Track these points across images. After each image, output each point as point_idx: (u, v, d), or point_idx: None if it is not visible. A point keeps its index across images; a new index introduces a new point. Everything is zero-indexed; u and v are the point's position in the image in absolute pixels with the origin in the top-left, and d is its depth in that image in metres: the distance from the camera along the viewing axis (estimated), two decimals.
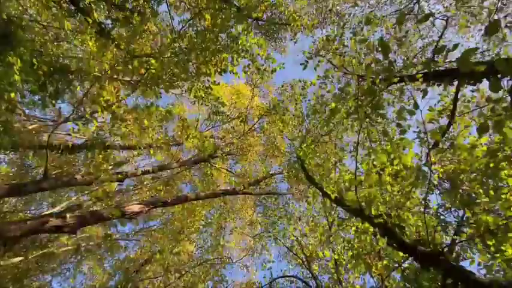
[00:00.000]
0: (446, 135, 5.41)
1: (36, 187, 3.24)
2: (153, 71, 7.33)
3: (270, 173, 9.25)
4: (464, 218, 7.42)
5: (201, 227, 10.34)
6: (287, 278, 9.70)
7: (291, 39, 10.11)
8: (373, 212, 3.78)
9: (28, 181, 3.46)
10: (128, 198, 12.85)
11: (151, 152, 5.31)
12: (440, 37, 6.98)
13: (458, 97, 6.16)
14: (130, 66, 6.74)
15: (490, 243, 3.06)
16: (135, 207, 3.97)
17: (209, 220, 9.95)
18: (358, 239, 4.50)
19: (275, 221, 9.66)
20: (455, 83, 5.04)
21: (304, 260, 7.75)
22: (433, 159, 4.19)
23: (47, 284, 11.81)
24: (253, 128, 10.36)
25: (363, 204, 3.99)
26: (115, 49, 6.40)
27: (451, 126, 5.47)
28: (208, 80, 8.05)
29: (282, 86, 9.27)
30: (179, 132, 8.10)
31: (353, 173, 4.21)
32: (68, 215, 3.14)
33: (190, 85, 8.27)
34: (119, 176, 4.39)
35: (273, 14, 9.76)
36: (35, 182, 3.31)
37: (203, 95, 8.43)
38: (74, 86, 6.72)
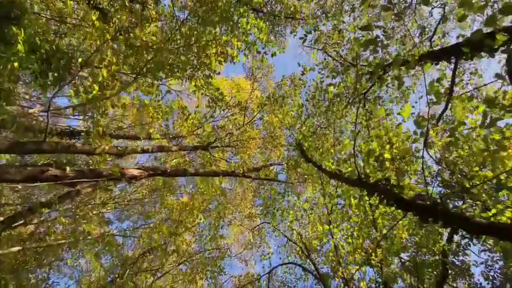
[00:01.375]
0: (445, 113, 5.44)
1: (36, 147, 3.26)
2: (155, 58, 7.43)
3: (270, 163, 9.27)
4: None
5: (200, 221, 10.31)
6: (286, 270, 9.62)
7: (291, 32, 10.24)
8: (371, 179, 3.80)
9: (29, 140, 3.49)
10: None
11: (152, 131, 5.33)
12: (438, 23, 7.10)
13: (456, 82, 6.24)
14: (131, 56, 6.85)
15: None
16: (135, 171, 3.98)
17: (208, 213, 9.92)
18: (357, 210, 4.49)
19: (274, 211, 9.64)
20: (453, 61, 5.11)
21: (303, 248, 7.70)
22: (432, 133, 4.23)
23: (45, 278, 11.66)
24: (253, 120, 10.41)
25: (361, 173, 4.00)
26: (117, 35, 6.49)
27: (449, 106, 5.53)
28: (208, 70, 8.14)
29: (282, 81, 9.36)
30: (179, 120, 8.13)
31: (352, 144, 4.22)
32: (68, 168, 3.15)
33: (191, 74, 8.34)
34: (119, 148, 4.40)
35: (273, 6, 9.92)
36: (35, 142, 3.32)
37: (203, 85, 8.50)
38: (73, 73, 6.80)
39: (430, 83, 2.88)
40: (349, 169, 4.03)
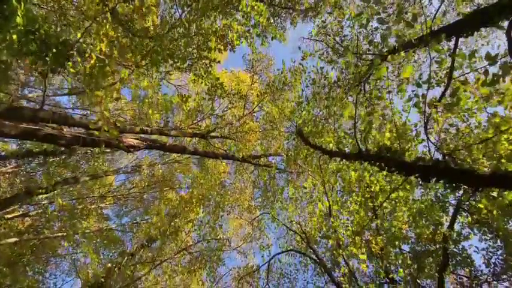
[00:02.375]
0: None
1: (32, 114, 3.21)
2: (155, 48, 7.41)
3: (269, 152, 9.23)
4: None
5: (200, 215, 10.25)
6: (285, 261, 9.52)
7: (291, 23, 10.26)
8: (372, 149, 3.76)
9: (25, 106, 3.45)
10: None
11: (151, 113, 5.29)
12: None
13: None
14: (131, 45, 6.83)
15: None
16: (133, 141, 3.92)
17: (208, 202, 9.85)
18: (358, 184, 4.44)
19: (273, 201, 9.58)
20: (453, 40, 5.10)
21: (303, 237, 7.63)
22: (433, 111, 4.19)
23: (41, 271, 11.55)
24: (253, 112, 10.39)
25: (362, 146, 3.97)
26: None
27: (449, 86, 5.50)
28: (208, 60, 8.13)
29: (282, 73, 9.36)
30: (178, 115, 8.08)
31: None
32: (64, 128, 3.10)
33: (191, 63, 8.33)
34: (117, 124, 4.33)
35: None
36: (31, 109, 3.27)
37: (203, 74, 8.47)
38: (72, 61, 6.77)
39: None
40: (351, 141, 3.99)
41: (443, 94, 5.82)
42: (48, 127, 3.01)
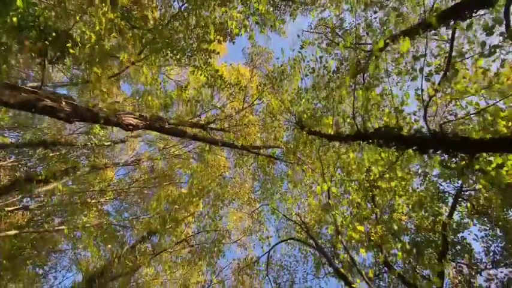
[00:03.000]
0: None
1: (30, 91, 3.21)
2: (155, 39, 7.43)
3: (269, 144, 9.24)
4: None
5: (199, 208, 10.28)
6: (285, 252, 9.54)
7: (290, 15, 10.28)
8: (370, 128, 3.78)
9: (25, 84, 3.46)
10: None
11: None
12: None
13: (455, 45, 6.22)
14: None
15: None
16: (133, 120, 3.93)
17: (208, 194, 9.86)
18: (357, 169, 4.46)
19: (272, 193, 9.60)
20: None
21: (303, 226, 7.64)
22: (430, 91, 4.21)
23: (41, 263, 11.56)
24: (253, 104, 10.41)
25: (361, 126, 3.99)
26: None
27: (449, 70, 5.52)
28: (207, 51, 8.15)
29: (281, 66, 9.38)
30: (178, 98, 8.10)
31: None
32: (63, 101, 3.10)
33: (190, 54, 8.35)
34: (116, 103, 4.33)
35: None
36: (32, 86, 3.28)
37: (202, 66, 8.49)
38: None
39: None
40: (349, 121, 4.01)
41: (443, 77, 5.85)
42: (48, 99, 3.02)
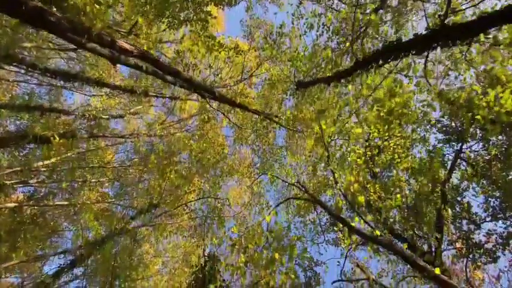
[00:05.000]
0: None
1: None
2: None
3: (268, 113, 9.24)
4: None
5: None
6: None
7: None
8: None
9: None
10: None
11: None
12: None
13: None
14: None
15: None
16: (127, 46, 3.84)
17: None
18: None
19: (272, 162, 9.62)
20: None
21: (302, 189, 7.64)
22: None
23: (41, 237, 11.59)
24: (252, 75, 10.41)
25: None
26: None
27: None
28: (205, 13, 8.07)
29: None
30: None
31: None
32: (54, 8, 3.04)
33: (186, 16, 8.25)
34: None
35: None
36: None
37: (199, 31, 8.42)
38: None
39: None
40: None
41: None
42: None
